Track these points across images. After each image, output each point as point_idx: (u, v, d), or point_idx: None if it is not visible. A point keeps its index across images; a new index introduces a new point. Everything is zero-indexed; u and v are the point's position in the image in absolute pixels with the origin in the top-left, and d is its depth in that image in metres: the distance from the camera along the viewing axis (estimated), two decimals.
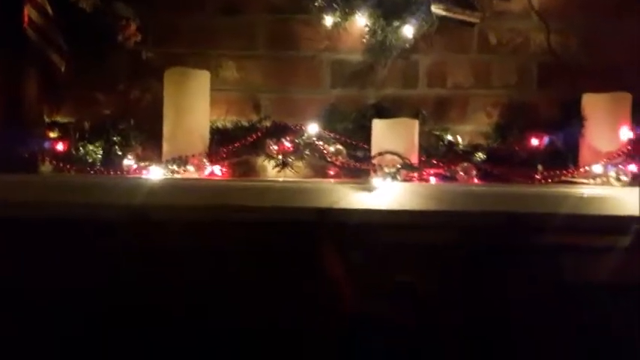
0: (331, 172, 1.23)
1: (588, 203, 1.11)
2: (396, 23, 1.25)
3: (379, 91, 1.38)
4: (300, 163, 1.24)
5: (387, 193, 1.08)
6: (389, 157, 1.15)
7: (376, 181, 1.07)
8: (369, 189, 1.08)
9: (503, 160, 1.22)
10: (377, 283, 1.13)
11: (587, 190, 1.12)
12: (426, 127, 1.27)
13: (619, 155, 1.17)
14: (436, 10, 1.22)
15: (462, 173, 1.17)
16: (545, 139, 1.22)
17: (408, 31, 1.27)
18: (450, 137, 1.25)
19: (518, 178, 1.17)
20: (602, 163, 1.15)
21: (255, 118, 1.31)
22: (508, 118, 1.33)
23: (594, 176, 1.16)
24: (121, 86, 1.37)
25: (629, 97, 1.20)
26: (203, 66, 1.31)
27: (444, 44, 1.38)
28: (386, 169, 1.09)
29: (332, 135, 1.23)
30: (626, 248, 1.15)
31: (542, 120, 1.30)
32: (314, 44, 1.39)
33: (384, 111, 1.30)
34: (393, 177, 1.09)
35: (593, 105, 1.20)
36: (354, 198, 1.08)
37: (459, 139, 1.25)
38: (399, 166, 1.11)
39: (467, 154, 1.23)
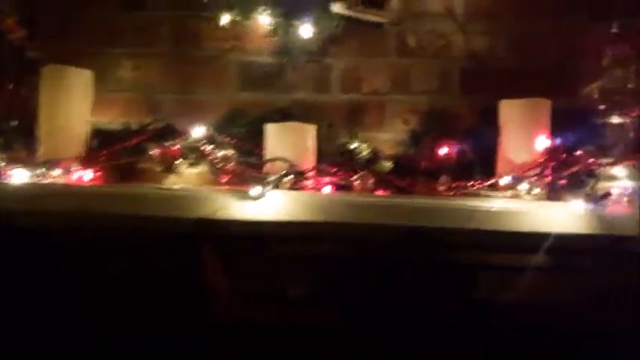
0: (223, 180, 1.08)
1: (492, 218, 1.00)
2: (295, 23, 1.15)
3: (289, 96, 1.27)
4: (197, 169, 1.14)
5: (271, 203, 0.98)
6: (280, 163, 1.05)
7: (255, 189, 0.97)
8: (251, 197, 0.99)
9: (409, 170, 1.14)
10: (263, 298, 1.04)
11: (491, 204, 1.01)
12: (333, 133, 1.16)
13: (533, 167, 1.09)
14: (336, 9, 1.12)
15: (358, 182, 1.08)
16: (455, 149, 1.14)
17: (307, 31, 1.17)
18: (355, 145, 1.13)
19: (421, 190, 1.10)
20: (513, 175, 1.06)
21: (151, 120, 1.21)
22: (425, 125, 1.24)
23: (503, 189, 1.08)
24: (8, 85, 1.24)
25: (547, 103, 1.08)
26: (100, 64, 1.23)
27: (359, 47, 1.27)
28: (268, 177, 0.98)
29: (227, 140, 1.10)
30: (535, 267, 1.06)
31: (462, 128, 1.18)
32: (220, 44, 1.28)
33: (290, 116, 1.21)
34: (275, 185, 1.00)
35: (510, 112, 1.08)
36: (236, 207, 0.97)
37: (364, 147, 1.12)
38: (282, 173, 0.99)
39: (371, 163, 1.15)
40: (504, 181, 1.02)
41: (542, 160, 1.04)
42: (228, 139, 1.11)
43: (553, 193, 1.02)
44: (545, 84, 1.21)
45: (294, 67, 1.26)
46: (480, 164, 1.10)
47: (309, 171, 1.03)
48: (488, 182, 1.02)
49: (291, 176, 0.99)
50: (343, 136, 1.19)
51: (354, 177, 1.04)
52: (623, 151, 1.10)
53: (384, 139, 1.25)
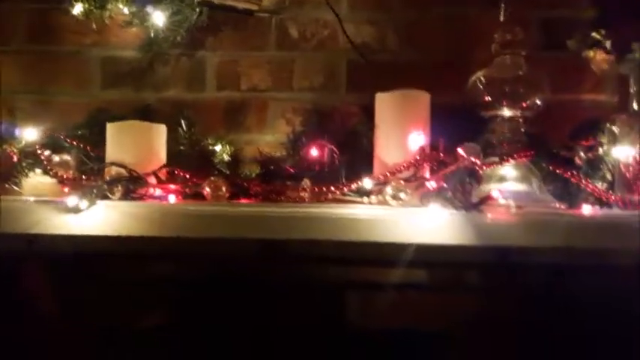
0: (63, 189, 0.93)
1: (349, 228, 0.88)
2: (152, 12, 1.02)
3: (159, 93, 1.13)
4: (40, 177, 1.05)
5: (95, 215, 0.81)
6: (116, 169, 0.90)
7: (71, 199, 0.81)
8: (69, 209, 0.83)
9: (277, 175, 1.03)
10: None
11: (352, 211, 0.88)
12: (201, 134, 1.04)
13: (404, 168, 0.98)
14: None
15: (208, 190, 0.97)
16: (326, 150, 1.03)
17: (159, 19, 1.03)
18: (218, 147, 1.01)
19: (284, 197, 0.96)
20: (378, 177, 0.95)
21: None
22: (310, 125, 1.12)
23: (367, 193, 0.95)
24: None
25: (426, 96, 0.93)
26: None
27: (236, 39, 1.13)
28: (88, 186, 0.82)
29: (72, 143, 0.96)
30: (406, 285, 0.95)
31: (350, 127, 1.04)
32: (80, 38, 1.15)
33: (152, 115, 1.07)
34: (100, 194, 0.83)
35: (385, 106, 0.94)
36: (56, 221, 0.82)
37: (224, 150, 1.01)
38: (107, 180, 0.86)
39: (232, 168, 1.04)
40: (367, 184, 0.92)
41: (414, 160, 0.95)
42: (73, 141, 0.97)
43: (426, 198, 0.91)
44: (438, 77, 1.09)
45: (163, 61, 1.13)
46: (355, 166, 1.00)
47: (148, 177, 0.88)
48: (352, 186, 0.92)
49: (123, 183, 0.86)
50: (215, 138, 1.08)
51: (205, 183, 0.94)
52: (513, 147, 1.01)
53: (267, 141, 1.12)
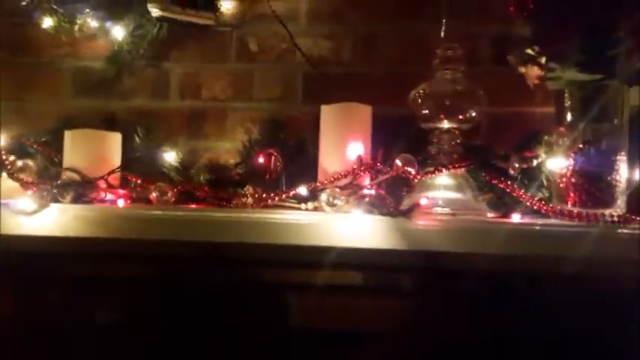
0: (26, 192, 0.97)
1: (283, 231, 0.90)
2: (115, 26, 1.08)
3: (126, 102, 1.19)
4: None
5: (46, 217, 0.86)
6: (69, 174, 0.95)
7: (24, 201, 0.85)
8: (23, 211, 0.88)
9: (223, 182, 1.06)
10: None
11: (284, 216, 0.89)
12: (150, 141, 1.07)
13: (342, 176, 0.99)
14: (152, 9, 1.02)
15: (154, 195, 1.00)
16: (272, 158, 1.05)
17: (119, 33, 1.10)
18: (172, 155, 1.04)
19: (226, 202, 0.99)
20: (314, 185, 0.96)
21: None
22: (267, 134, 1.15)
23: (305, 200, 0.98)
24: None
25: (367, 109, 0.96)
26: None
27: (198, 51, 1.18)
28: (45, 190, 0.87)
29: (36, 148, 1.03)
30: (341, 287, 0.97)
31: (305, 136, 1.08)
32: (55, 50, 1.21)
33: (116, 123, 1.13)
34: (51, 197, 0.87)
35: (328, 118, 0.96)
36: (9, 222, 0.85)
37: (176, 156, 1.04)
38: (56, 184, 0.89)
39: (184, 173, 1.07)
40: (302, 191, 0.95)
41: (351, 168, 0.97)
42: (38, 147, 1.04)
43: (359, 205, 0.94)
44: (390, 89, 1.12)
45: (129, 72, 1.18)
46: (303, 174, 1.03)
47: (98, 181, 0.92)
48: (290, 193, 0.95)
49: (73, 187, 0.91)
50: (172, 145, 1.12)
51: (152, 188, 0.97)
52: (450, 158, 1.03)
53: (225, 148, 1.17)
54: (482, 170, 0.98)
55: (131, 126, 1.12)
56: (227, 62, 1.18)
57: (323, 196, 0.91)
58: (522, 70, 0.92)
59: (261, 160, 1.00)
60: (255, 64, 1.18)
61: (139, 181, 0.98)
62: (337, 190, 0.91)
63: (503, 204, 0.97)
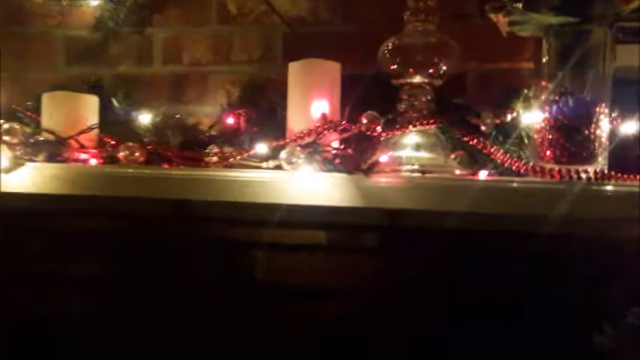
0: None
1: (239, 188, 0.89)
2: None
3: (113, 69, 1.19)
4: None
5: (23, 176, 0.88)
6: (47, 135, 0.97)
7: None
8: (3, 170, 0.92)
9: (194, 143, 1.04)
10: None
11: (246, 174, 0.89)
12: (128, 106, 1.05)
13: (306, 134, 0.94)
14: None
15: (122, 154, 1.00)
16: (241, 119, 1.01)
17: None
18: (146, 116, 1.01)
19: (193, 162, 0.98)
20: (275, 143, 0.92)
21: None
22: (247, 96, 1.12)
23: (265, 159, 0.94)
24: None
25: (336, 66, 0.90)
26: None
27: (179, 16, 1.16)
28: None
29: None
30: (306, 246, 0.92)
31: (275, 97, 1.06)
32: (47, 21, 1.22)
33: (99, 88, 1.11)
34: (22, 157, 0.89)
35: (294, 76, 0.90)
36: None
37: (151, 119, 1.01)
38: (30, 142, 0.93)
39: (158, 135, 1.06)
40: (261, 149, 0.91)
41: (314, 127, 0.93)
42: (27, 112, 1.04)
43: (320, 163, 0.90)
44: (372, 47, 1.07)
45: (116, 39, 1.18)
46: (272, 134, 1.00)
47: (70, 141, 0.91)
48: (251, 152, 0.92)
49: (47, 147, 0.93)
50: (154, 109, 1.10)
51: (121, 148, 0.98)
52: (420, 115, 0.96)
53: (206, 112, 1.14)
54: (454, 127, 0.93)
55: (116, 91, 1.14)
56: (207, 25, 1.15)
57: (282, 154, 0.88)
58: (494, 17, 0.84)
59: (230, 120, 1.00)
60: (235, 26, 1.14)
61: (112, 142, 1.00)
62: (298, 148, 0.89)
63: (475, 162, 0.91)
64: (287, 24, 1.07)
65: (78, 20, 1.21)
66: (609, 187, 0.77)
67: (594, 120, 0.79)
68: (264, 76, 1.12)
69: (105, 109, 1.04)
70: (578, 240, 0.80)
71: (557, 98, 0.81)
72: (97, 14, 1.13)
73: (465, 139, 0.89)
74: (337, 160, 0.85)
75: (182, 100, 1.16)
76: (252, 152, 0.89)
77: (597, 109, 0.80)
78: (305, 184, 0.83)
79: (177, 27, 1.17)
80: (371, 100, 0.94)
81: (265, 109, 0.99)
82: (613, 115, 0.94)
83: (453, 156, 0.91)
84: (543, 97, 0.83)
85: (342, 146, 0.89)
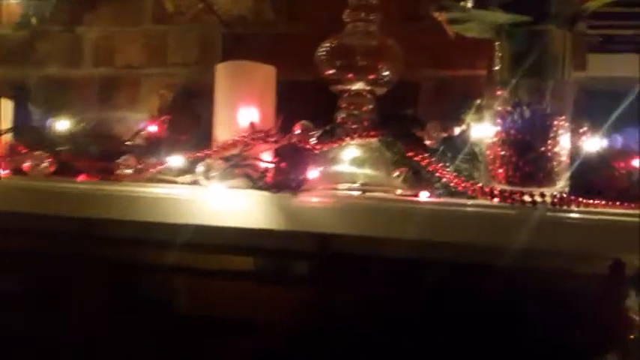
0: None
1: (144, 206, 0.78)
2: None
3: (41, 71, 1.07)
4: None
5: None
6: None
7: None
8: None
9: (112, 152, 0.94)
10: None
11: (159, 190, 0.76)
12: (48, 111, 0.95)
13: (232, 145, 0.84)
14: None
15: (28, 164, 0.88)
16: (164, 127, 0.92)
17: None
18: (63, 123, 0.90)
19: (108, 174, 0.87)
20: (192, 154, 0.80)
21: None
22: (177, 102, 1.02)
23: (181, 172, 0.83)
24: None
25: (270, 69, 0.80)
26: None
27: (112, 14, 1.05)
28: None
29: None
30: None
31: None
32: None
33: (24, 92, 1.04)
34: None
35: (222, 78, 0.80)
36: None
37: (69, 125, 0.91)
38: None
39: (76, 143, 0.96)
40: (175, 162, 0.81)
41: (240, 137, 0.83)
42: None
43: (246, 179, 0.79)
44: (314, 51, 0.99)
45: (44, 38, 1.06)
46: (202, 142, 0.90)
47: None
48: (166, 164, 0.81)
49: None
50: (80, 114, 1.01)
51: (25, 158, 0.87)
52: (360, 126, 0.86)
53: (138, 118, 1.01)
54: (399, 141, 0.83)
55: (43, 94, 1.04)
56: (142, 24, 1.04)
57: (200, 168, 0.78)
58: (438, 16, 0.75)
59: (153, 128, 0.90)
60: (171, 26, 1.03)
61: (23, 151, 0.90)
62: (218, 161, 0.79)
63: (421, 180, 0.81)
64: (224, 24, 0.96)
65: (4, 18, 1.10)
66: (571, 215, 0.68)
67: (552, 135, 0.70)
68: (202, 79, 1.03)
69: (27, 114, 0.94)
70: (532, 274, 0.70)
71: (509, 110, 0.72)
72: (21, 11, 1.03)
73: (409, 154, 0.80)
74: (263, 176, 0.76)
75: (113, 105, 1.05)
76: (166, 165, 0.79)
77: (556, 122, 0.71)
78: (222, 202, 0.73)
79: (109, 26, 1.06)
80: (314, 108, 0.85)
81: (192, 117, 0.89)
82: (582, 129, 0.87)
83: (396, 173, 0.82)
84: (495, 108, 0.74)
85: (272, 160, 0.80)
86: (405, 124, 0.82)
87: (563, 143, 0.70)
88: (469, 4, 0.72)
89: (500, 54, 0.72)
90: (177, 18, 1.03)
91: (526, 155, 0.69)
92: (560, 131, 0.69)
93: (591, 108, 1.07)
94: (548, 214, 0.66)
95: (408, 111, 0.88)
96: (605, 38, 1.11)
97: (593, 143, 0.81)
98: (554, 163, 0.70)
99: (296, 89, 0.90)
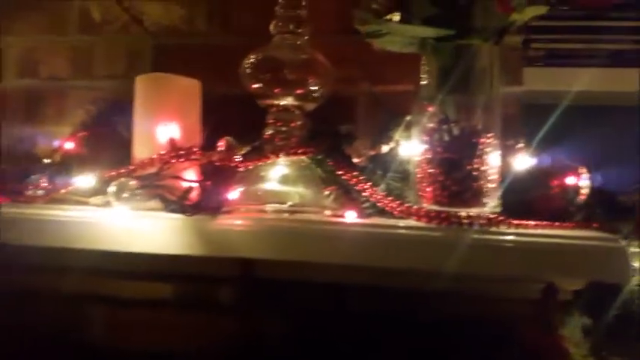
0: None
1: (52, 230, 0.72)
2: None
3: None
4: None
5: None
6: None
7: None
8: None
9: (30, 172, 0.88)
10: None
11: (71, 214, 0.72)
12: None
13: (148, 163, 0.80)
14: None
15: None
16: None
17: None
18: None
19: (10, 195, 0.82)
20: (102, 175, 0.76)
21: None
22: (102, 117, 0.99)
23: (94, 193, 0.79)
24: None
25: (194, 83, 0.75)
26: None
27: (38, 24, 0.99)
28: None
29: None
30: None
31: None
32: None
33: None
34: None
35: (141, 92, 0.75)
36: None
37: None
38: None
39: None
40: (83, 182, 0.76)
41: (158, 155, 0.78)
42: None
43: (160, 200, 0.75)
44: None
45: None
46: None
47: None
48: (75, 185, 0.76)
49: None
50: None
51: None
52: (288, 143, 0.82)
53: (65, 133, 0.93)
54: (330, 158, 0.79)
55: None
56: (67, 35, 0.98)
57: (111, 188, 0.73)
58: (360, 28, 0.72)
59: (69, 145, 0.84)
60: (99, 36, 0.97)
61: None
62: (133, 181, 0.73)
63: (351, 199, 0.78)
64: (152, 34, 0.92)
65: None
66: (499, 237, 0.65)
67: (479, 153, 0.68)
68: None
69: None
70: (461, 299, 0.67)
71: (435, 127, 0.69)
72: None
73: (339, 172, 0.76)
74: (185, 197, 0.70)
75: (38, 120, 0.99)
76: (74, 186, 0.74)
77: (483, 139, 0.68)
78: (128, 226, 0.68)
79: (33, 36, 1.00)
80: (247, 124, 0.80)
81: (115, 133, 0.84)
82: (517, 146, 0.85)
83: (326, 192, 0.78)
84: (423, 125, 0.71)
85: (190, 180, 0.75)
86: (336, 140, 0.79)
87: (492, 161, 0.68)
88: (396, 17, 0.72)
89: (427, 69, 0.71)
90: (104, 28, 0.98)
91: (452, 174, 0.66)
92: (488, 149, 0.68)
93: (537, 123, 1.06)
94: (475, 235, 0.63)
95: (345, 127, 0.85)
96: (549, 52, 1.12)
97: (529, 161, 0.80)
98: (482, 182, 0.68)
99: (229, 103, 0.86)
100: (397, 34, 0.62)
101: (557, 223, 0.69)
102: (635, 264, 0.73)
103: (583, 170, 0.79)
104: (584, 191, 0.78)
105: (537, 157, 0.79)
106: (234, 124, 0.76)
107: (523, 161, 0.78)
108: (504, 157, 0.78)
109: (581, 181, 0.78)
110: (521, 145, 0.81)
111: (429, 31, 0.61)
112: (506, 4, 0.60)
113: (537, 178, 0.78)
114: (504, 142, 0.83)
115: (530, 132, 0.94)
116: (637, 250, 0.73)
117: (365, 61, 0.89)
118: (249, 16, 0.94)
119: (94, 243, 0.66)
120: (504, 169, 0.75)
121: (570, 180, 0.78)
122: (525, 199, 0.75)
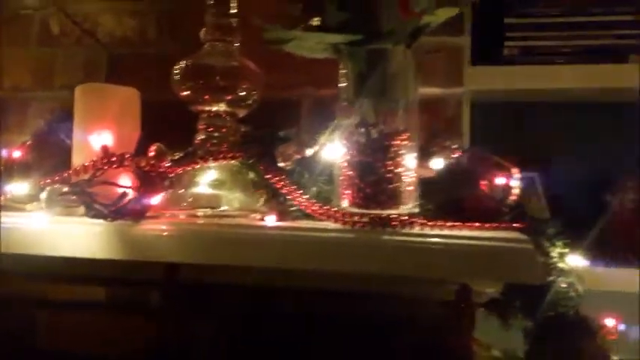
0: None
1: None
2: None
3: None
4: None
5: None
6: None
7: None
8: None
9: None
10: None
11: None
12: None
13: (83, 170, 0.80)
14: None
15: None
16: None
17: None
18: None
19: None
20: (38, 182, 0.78)
21: None
22: (57, 126, 1.00)
23: (31, 199, 0.80)
24: None
25: (132, 92, 0.77)
26: None
27: None
28: None
29: None
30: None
31: None
32: None
33: None
34: None
35: (80, 101, 0.76)
36: None
37: None
38: None
39: None
40: (18, 189, 0.77)
41: (91, 162, 0.79)
42: None
43: (88, 206, 0.76)
44: None
45: None
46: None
47: None
48: (9, 192, 0.77)
49: None
50: None
51: None
52: (219, 148, 0.82)
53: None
54: (261, 162, 0.80)
55: None
56: (28, 46, 1.01)
57: (43, 195, 0.75)
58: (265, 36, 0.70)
59: (17, 154, 0.86)
60: (57, 47, 1.00)
61: None
62: (64, 187, 0.75)
63: (278, 203, 0.78)
64: (104, 46, 0.94)
65: None
66: (410, 238, 0.64)
67: (392, 156, 0.67)
68: None
69: None
70: (375, 300, 0.66)
71: (351, 130, 0.69)
72: None
73: (267, 176, 0.76)
74: (117, 202, 0.72)
75: (1, 129, 1.03)
76: (13, 192, 0.76)
77: (397, 142, 0.68)
78: (58, 230, 0.69)
79: None
80: (190, 131, 0.82)
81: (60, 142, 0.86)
82: (452, 147, 0.84)
83: (256, 196, 0.79)
84: (343, 129, 0.71)
85: (117, 185, 0.76)
86: (269, 144, 0.79)
87: (407, 163, 0.68)
88: (316, 23, 0.71)
89: (344, 73, 0.71)
90: (62, 40, 1.01)
91: (367, 177, 0.66)
92: (402, 151, 0.67)
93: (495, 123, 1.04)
94: (385, 237, 0.63)
95: (285, 131, 0.86)
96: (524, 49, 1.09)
97: (461, 161, 0.79)
98: (398, 184, 0.67)
99: (178, 111, 0.87)
100: (307, 40, 0.62)
101: (477, 224, 0.68)
102: (561, 264, 0.72)
103: (515, 170, 0.78)
104: (515, 191, 0.77)
105: (469, 158, 0.78)
106: (177, 131, 0.78)
107: (455, 162, 0.77)
108: (438, 158, 0.79)
109: (512, 181, 0.78)
110: (455, 146, 0.81)
111: (338, 37, 0.61)
112: (408, 10, 0.59)
113: (467, 178, 0.77)
114: (442, 143, 0.83)
115: (480, 132, 0.93)
116: (562, 250, 0.72)
117: (309, 65, 0.90)
118: (196, 24, 0.96)
119: (21, 247, 0.69)
120: (437, 170, 0.75)
121: (500, 180, 0.78)
122: (455, 199, 0.75)
